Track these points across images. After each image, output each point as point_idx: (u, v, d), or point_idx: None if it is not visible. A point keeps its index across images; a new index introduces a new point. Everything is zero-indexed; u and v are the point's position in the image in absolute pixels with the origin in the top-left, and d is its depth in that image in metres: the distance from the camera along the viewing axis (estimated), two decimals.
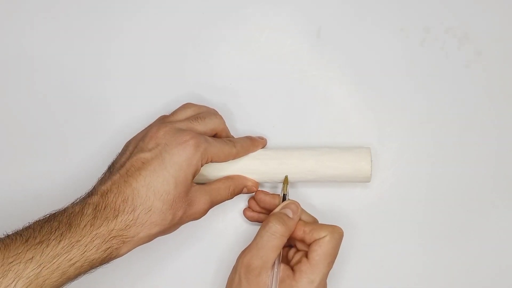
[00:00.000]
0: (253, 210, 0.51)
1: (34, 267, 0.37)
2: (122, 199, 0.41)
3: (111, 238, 0.40)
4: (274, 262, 0.43)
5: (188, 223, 0.45)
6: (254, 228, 0.53)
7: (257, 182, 0.50)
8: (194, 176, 0.44)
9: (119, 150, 0.47)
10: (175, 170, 0.42)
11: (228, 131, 0.51)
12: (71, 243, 0.39)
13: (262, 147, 0.51)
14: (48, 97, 0.54)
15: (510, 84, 0.52)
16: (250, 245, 0.43)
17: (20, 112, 0.54)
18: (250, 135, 0.51)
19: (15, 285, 0.36)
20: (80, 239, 0.39)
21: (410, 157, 0.52)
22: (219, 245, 0.53)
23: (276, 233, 0.43)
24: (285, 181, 0.48)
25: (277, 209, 0.46)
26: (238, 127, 0.53)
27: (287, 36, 0.53)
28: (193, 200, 0.45)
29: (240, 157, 0.49)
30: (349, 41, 0.53)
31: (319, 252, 0.43)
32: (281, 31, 0.53)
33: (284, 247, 0.46)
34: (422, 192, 0.52)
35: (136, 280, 0.53)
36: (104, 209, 0.41)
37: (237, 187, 0.48)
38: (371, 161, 0.48)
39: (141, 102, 0.54)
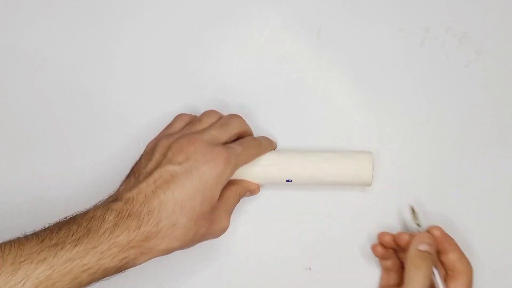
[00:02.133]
0: (385, 247, 0.50)
1: (45, 269, 0.36)
2: (148, 210, 0.40)
3: (129, 248, 0.39)
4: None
5: None
6: (254, 229, 0.53)
7: (259, 185, 0.50)
8: (218, 193, 0.44)
9: (119, 151, 0.47)
10: (204, 188, 0.42)
11: (250, 130, 0.51)
12: (87, 249, 0.38)
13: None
14: (49, 98, 0.54)
15: (510, 83, 0.52)
16: None
17: (21, 113, 0.54)
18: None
19: (23, 284, 0.36)
20: (97, 245, 0.38)
21: (410, 157, 0.52)
22: (219, 245, 0.53)
23: (428, 275, 0.43)
24: (413, 211, 0.49)
25: (413, 247, 0.45)
26: None
27: (287, 36, 0.53)
28: (216, 218, 0.44)
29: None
30: (349, 41, 0.53)
31: None
32: (281, 31, 0.53)
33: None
34: (422, 192, 0.52)
35: (134, 278, 0.53)
36: (127, 217, 0.40)
37: (242, 191, 0.49)
38: (373, 167, 0.48)
39: (140, 102, 0.54)
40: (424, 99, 0.53)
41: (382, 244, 0.50)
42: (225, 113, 0.50)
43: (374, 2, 0.53)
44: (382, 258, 0.50)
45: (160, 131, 0.49)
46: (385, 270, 0.50)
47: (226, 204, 0.46)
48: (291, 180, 0.49)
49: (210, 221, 0.44)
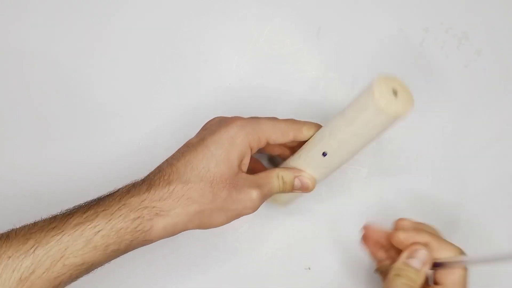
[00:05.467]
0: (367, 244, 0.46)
1: (55, 234, 0.37)
2: (160, 175, 0.40)
3: (142, 208, 0.39)
4: None
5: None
6: (254, 228, 0.53)
7: (314, 179, 0.45)
8: (240, 159, 0.42)
9: (118, 151, 0.47)
10: (216, 149, 0.41)
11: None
12: (97, 212, 0.38)
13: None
14: (46, 95, 0.54)
15: (510, 83, 0.52)
16: None
17: (18, 111, 0.55)
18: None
19: (34, 250, 0.36)
20: (107, 208, 0.38)
21: (410, 157, 0.52)
22: (219, 245, 0.53)
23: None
24: None
25: (402, 259, 0.41)
26: None
27: (287, 36, 0.53)
28: (240, 185, 0.42)
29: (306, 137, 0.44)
30: (348, 41, 0.53)
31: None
32: (281, 31, 0.54)
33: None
34: (422, 192, 0.52)
35: (133, 280, 0.53)
36: (141, 184, 0.40)
37: (286, 175, 0.45)
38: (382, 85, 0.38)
39: (139, 102, 0.54)
40: (424, 99, 0.53)
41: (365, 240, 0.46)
42: (225, 113, 0.50)
43: (374, 2, 0.53)
44: (377, 259, 0.48)
45: (158, 130, 0.49)
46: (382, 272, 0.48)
47: (256, 178, 0.43)
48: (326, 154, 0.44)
49: (232, 185, 0.41)
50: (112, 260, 0.41)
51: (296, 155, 0.46)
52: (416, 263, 0.41)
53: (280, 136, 0.44)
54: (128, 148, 0.53)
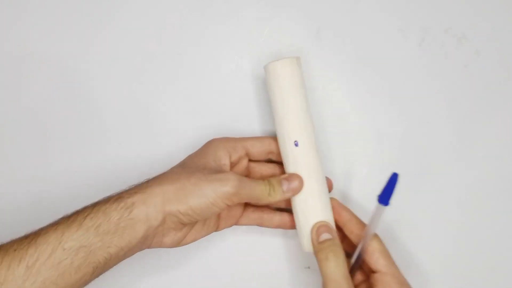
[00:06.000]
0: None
1: (51, 226, 0.41)
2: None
3: (122, 193, 0.43)
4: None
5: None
6: (253, 228, 0.53)
7: (298, 176, 0.46)
8: (215, 159, 0.46)
9: (119, 154, 0.47)
10: (192, 157, 0.47)
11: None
12: (85, 206, 0.42)
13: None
14: (49, 98, 0.54)
15: (509, 83, 0.52)
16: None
17: (20, 114, 0.55)
18: (259, 135, 0.52)
19: (36, 240, 0.40)
20: (92, 202, 0.43)
21: (409, 157, 0.53)
22: (219, 244, 0.53)
23: (340, 261, 0.44)
24: None
25: (314, 241, 0.46)
26: (238, 128, 0.53)
27: (287, 36, 0.53)
28: (215, 166, 0.45)
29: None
30: (348, 41, 0.53)
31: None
32: (281, 31, 0.54)
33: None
34: (421, 192, 0.52)
35: (132, 281, 0.53)
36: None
37: (276, 181, 0.46)
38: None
39: (138, 103, 0.54)
40: (423, 99, 0.53)
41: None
42: (225, 113, 0.50)
43: (373, 2, 0.53)
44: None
45: (158, 132, 0.49)
46: None
47: (242, 178, 0.44)
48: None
49: (208, 169, 0.44)
50: None
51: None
52: (325, 236, 0.45)
53: (256, 142, 0.48)
54: (129, 150, 0.53)
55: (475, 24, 0.52)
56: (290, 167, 0.47)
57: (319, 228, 0.46)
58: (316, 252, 0.45)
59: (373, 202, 0.52)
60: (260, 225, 0.50)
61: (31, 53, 0.55)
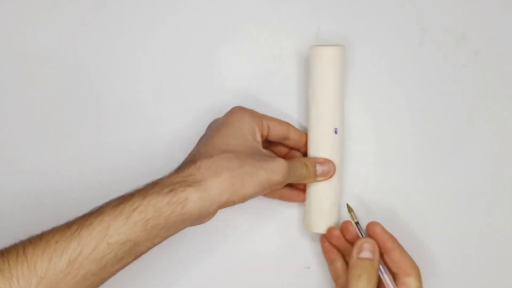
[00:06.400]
0: (333, 244, 0.49)
1: (96, 216, 0.39)
2: (184, 161, 0.43)
3: (174, 183, 0.40)
4: None
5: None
6: (254, 228, 0.53)
7: (332, 163, 0.48)
8: (252, 135, 0.45)
9: (121, 151, 0.46)
10: (228, 128, 0.45)
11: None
12: (132, 194, 0.40)
13: None
14: (53, 97, 0.54)
15: (508, 83, 0.52)
16: None
17: (20, 109, 0.54)
18: None
19: (79, 233, 0.38)
20: (140, 189, 0.40)
21: (409, 157, 0.53)
22: (219, 243, 0.53)
23: (372, 283, 0.43)
24: (349, 209, 0.48)
25: (354, 255, 0.45)
26: None
27: (287, 36, 0.53)
28: (265, 154, 0.45)
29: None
30: (347, 41, 0.53)
31: None
32: (281, 31, 0.53)
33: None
34: (422, 192, 0.52)
35: (131, 280, 0.53)
36: (170, 172, 0.42)
37: (311, 163, 0.48)
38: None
39: (140, 102, 0.54)
40: (423, 99, 0.53)
41: (330, 241, 0.49)
42: (224, 113, 0.50)
43: (373, 2, 0.53)
44: (329, 260, 0.50)
45: (159, 130, 0.49)
46: (334, 274, 0.50)
47: (286, 162, 0.45)
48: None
49: (257, 154, 0.44)
50: None
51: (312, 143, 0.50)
52: (366, 254, 0.44)
53: (277, 125, 0.48)
54: (131, 148, 0.53)
55: (474, 25, 0.52)
56: (324, 152, 0.48)
57: (363, 243, 0.45)
58: (352, 266, 0.44)
59: (373, 202, 0.52)
60: (277, 197, 0.52)
61: (33, 51, 0.54)
